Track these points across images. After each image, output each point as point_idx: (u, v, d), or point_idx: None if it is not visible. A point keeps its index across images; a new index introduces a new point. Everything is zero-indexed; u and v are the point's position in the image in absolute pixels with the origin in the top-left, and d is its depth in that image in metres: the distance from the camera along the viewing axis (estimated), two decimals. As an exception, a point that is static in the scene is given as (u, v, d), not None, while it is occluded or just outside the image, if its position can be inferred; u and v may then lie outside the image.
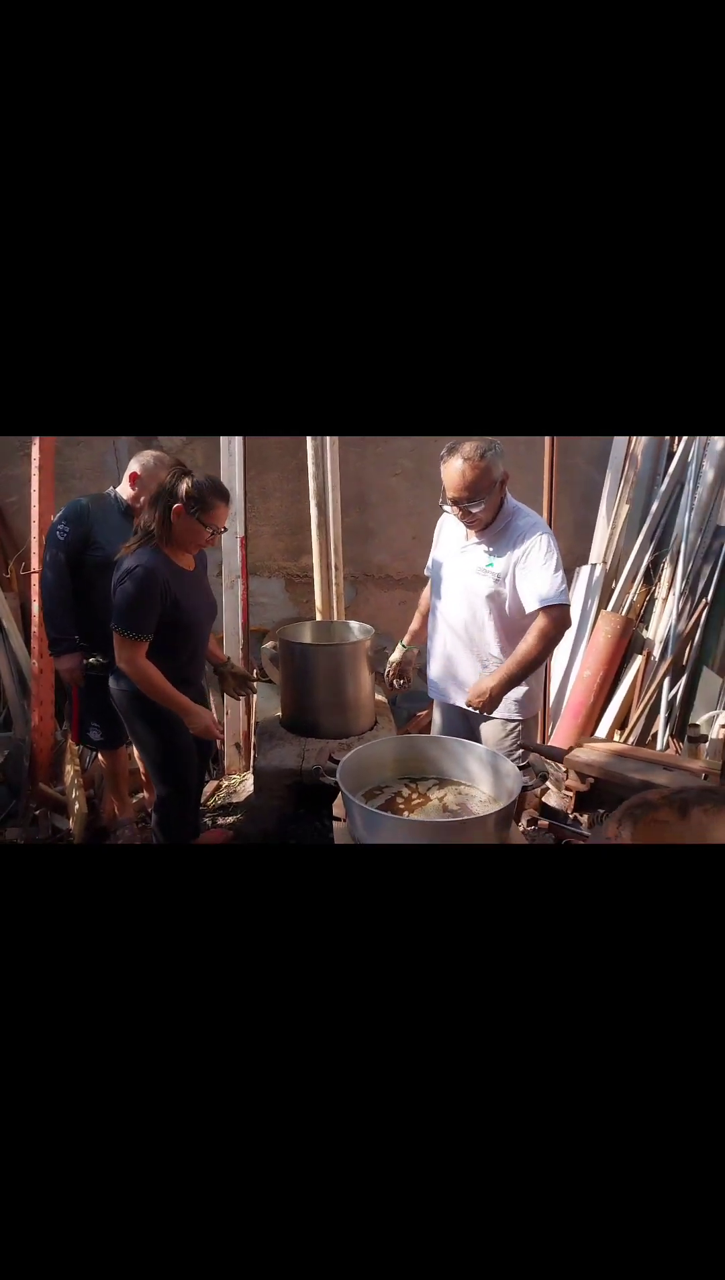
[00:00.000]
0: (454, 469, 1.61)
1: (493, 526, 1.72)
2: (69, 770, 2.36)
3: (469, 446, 1.62)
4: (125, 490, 2.06)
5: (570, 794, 1.59)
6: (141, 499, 1.89)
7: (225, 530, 1.76)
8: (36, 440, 2.48)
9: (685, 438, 2.63)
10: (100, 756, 2.36)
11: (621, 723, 2.60)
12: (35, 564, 2.41)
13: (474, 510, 1.65)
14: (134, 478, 2.02)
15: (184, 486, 1.66)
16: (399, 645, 2.03)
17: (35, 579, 2.37)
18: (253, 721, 2.67)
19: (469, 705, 1.70)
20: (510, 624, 1.75)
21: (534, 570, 1.65)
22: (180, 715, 1.75)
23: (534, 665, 1.67)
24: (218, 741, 2.35)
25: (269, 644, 2.67)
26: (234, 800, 2.55)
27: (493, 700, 1.66)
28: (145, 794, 2.42)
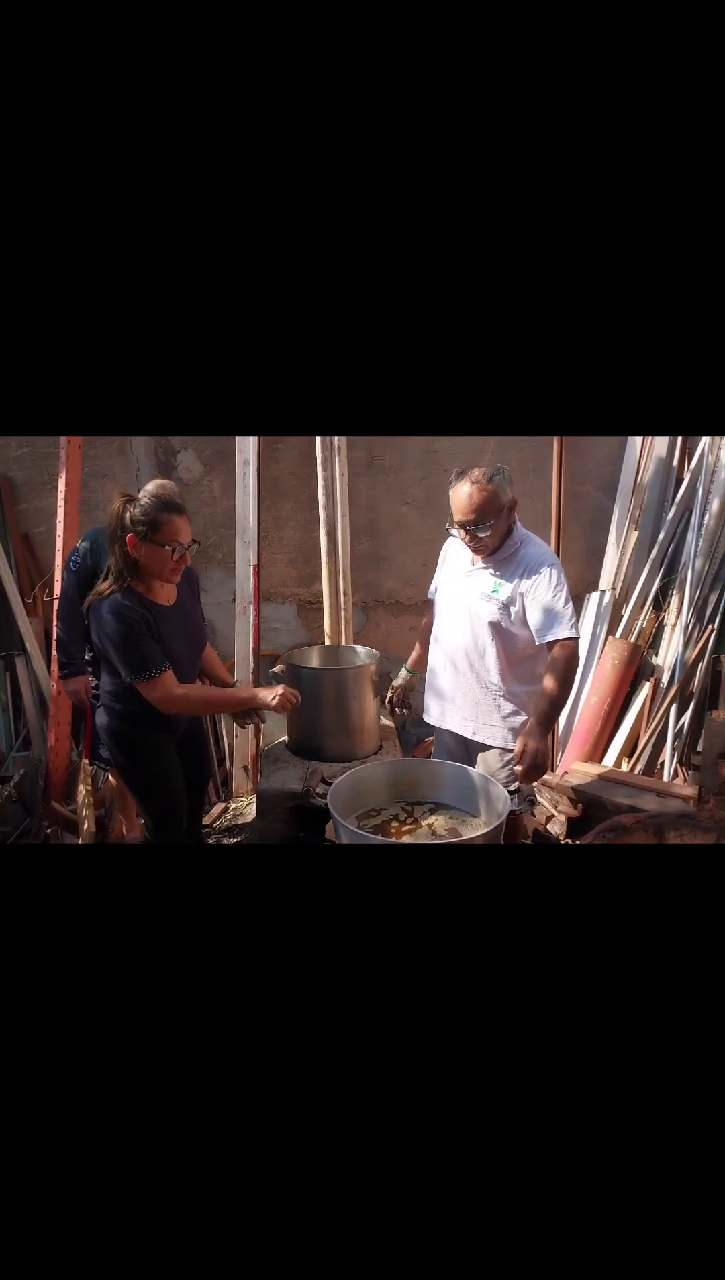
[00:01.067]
0: (462, 493, 1.64)
1: (500, 553, 1.72)
2: (81, 790, 2.43)
3: (477, 471, 1.64)
4: None
5: (562, 819, 1.58)
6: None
7: (193, 545, 1.58)
8: (63, 473, 2.62)
9: (692, 464, 2.64)
10: (110, 777, 2.43)
11: (629, 750, 2.57)
12: (58, 590, 2.53)
13: (481, 535, 1.65)
14: None
15: (129, 515, 1.51)
16: (403, 669, 2.04)
17: (56, 605, 2.49)
18: (260, 745, 2.71)
19: (518, 778, 1.59)
20: (511, 652, 1.74)
21: (544, 603, 1.65)
22: (247, 704, 1.70)
23: (562, 701, 1.64)
24: (218, 765, 2.36)
25: (277, 668, 2.73)
26: (240, 822, 2.58)
27: (539, 754, 1.56)
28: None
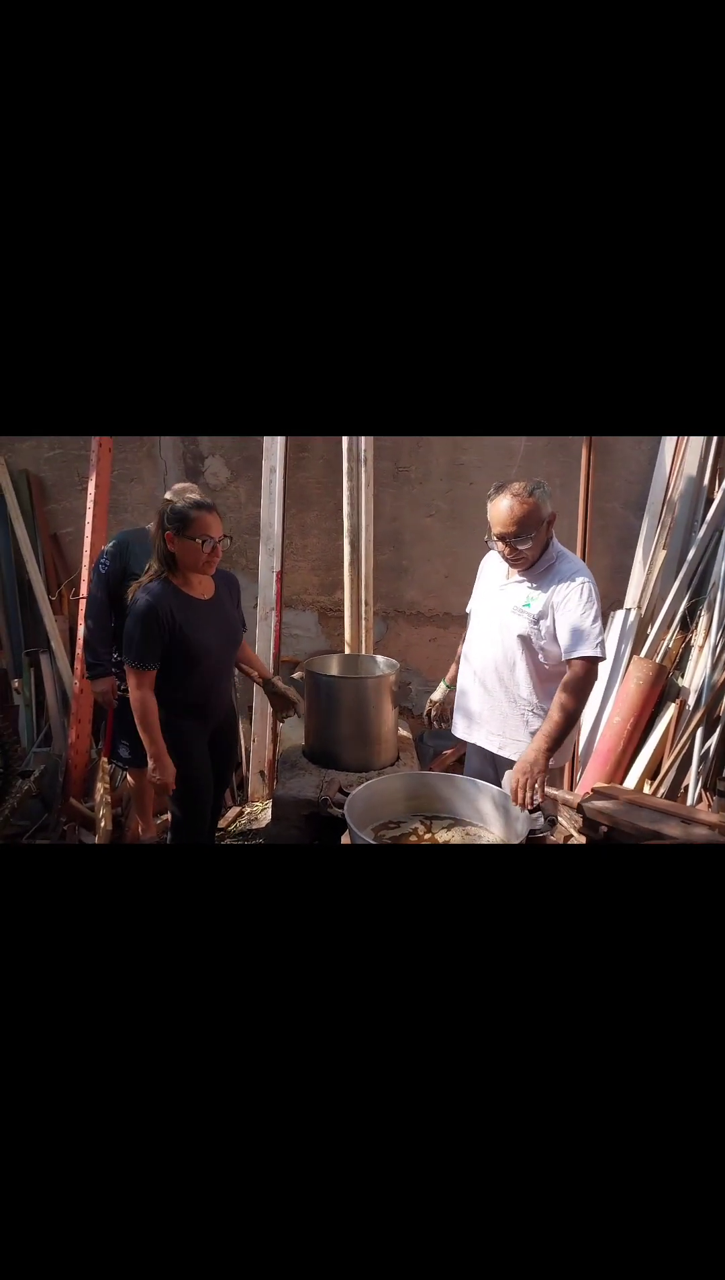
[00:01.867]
0: (502, 506, 1.64)
1: (536, 567, 1.72)
2: (99, 788, 2.45)
3: (518, 485, 1.65)
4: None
5: (583, 840, 1.55)
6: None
7: (225, 539, 1.77)
8: (93, 475, 2.67)
9: (724, 484, 2.60)
10: (129, 776, 2.45)
11: (653, 773, 2.52)
12: (84, 590, 2.57)
13: (521, 547, 1.66)
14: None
15: (167, 514, 1.73)
16: (442, 684, 2.02)
17: (82, 604, 2.52)
18: (277, 750, 2.71)
19: (515, 798, 1.52)
20: (541, 667, 1.73)
21: (572, 620, 1.63)
22: (150, 755, 1.77)
23: (573, 719, 1.62)
24: (242, 768, 2.41)
25: (297, 674, 2.73)
26: (255, 827, 2.58)
27: (539, 769, 1.54)
28: (167, 816, 2.48)
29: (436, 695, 2.02)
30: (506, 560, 1.73)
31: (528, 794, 1.50)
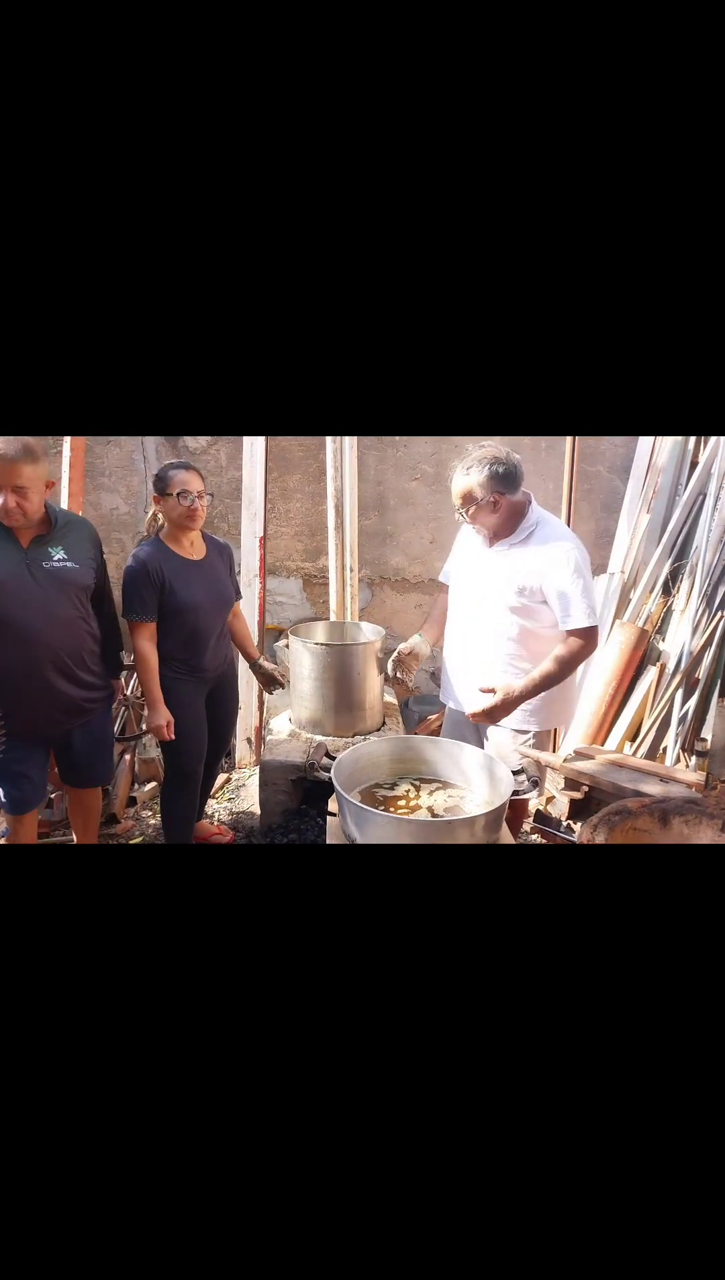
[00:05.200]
0: (453, 480, 1.72)
1: (512, 537, 1.73)
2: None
3: (472, 457, 1.70)
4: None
5: (565, 800, 1.59)
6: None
7: (203, 494, 1.84)
8: (68, 439, 2.58)
9: (708, 449, 2.60)
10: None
11: (633, 734, 2.58)
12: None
13: (468, 521, 1.72)
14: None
15: (153, 479, 1.86)
16: (416, 635, 1.99)
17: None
18: (264, 717, 2.72)
19: (472, 717, 1.70)
20: (526, 632, 1.74)
21: (562, 590, 1.65)
22: (147, 703, 1.88)
23: (544, 688, 1.68)
24: (233, 736, 2.41)
25: (282, 642, 2.72)
26: (242, 793, 2.60)
27: (492, 714, 1.68)
28: (152, 785, 2.49)
29: (406, 645, 1.96)
30: (476, 531, 1.77)
31: (499, 714, 1.64)
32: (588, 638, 1.64)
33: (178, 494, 1.80)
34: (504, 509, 1.70)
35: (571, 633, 1.64)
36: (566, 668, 1.66)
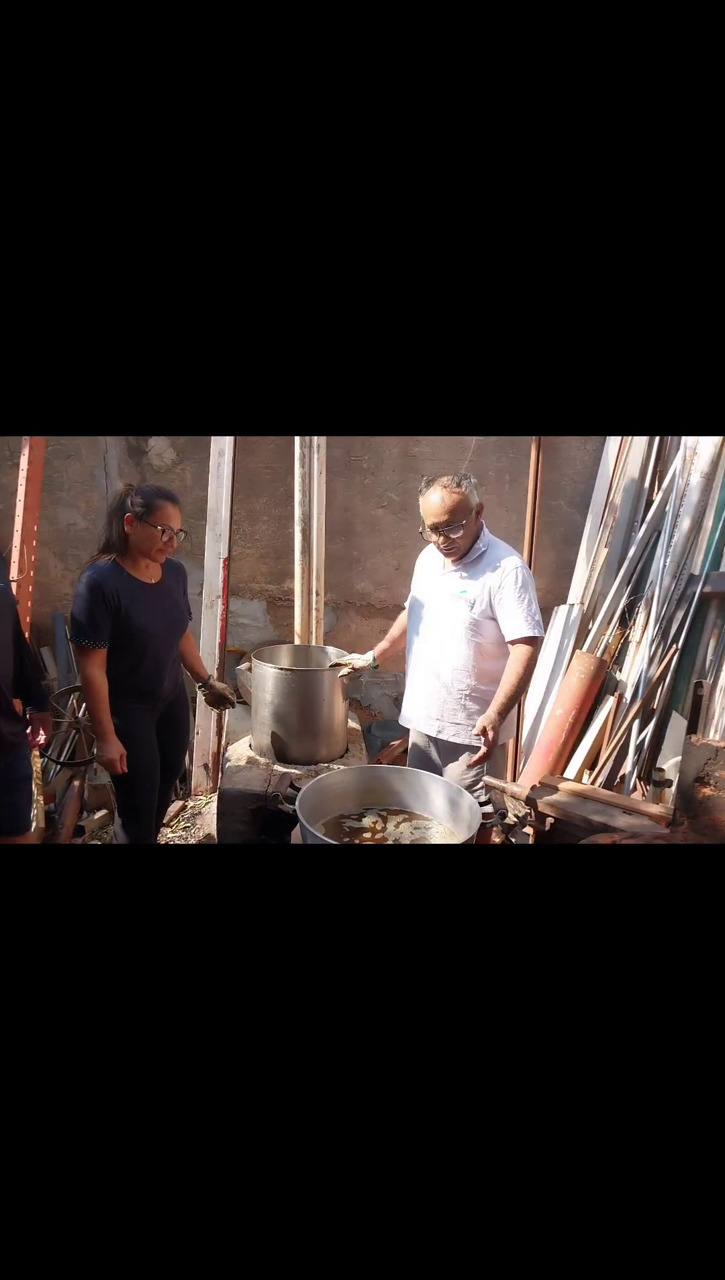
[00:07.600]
0: (433, 498, 1.75)
1: (469, 555, 1.82)
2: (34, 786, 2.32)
3: (446, 478, 1.77)
4: None
5: (529, 834, 1.59)
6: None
7: (181, 531, 1.80)
8: (26, 450, 2.50)
9: (663, 487, 2.71)
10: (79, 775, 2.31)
11: (591, 763, 2.61)
12: (13, 573, 2.41)
13: (453, 535, 1.76)
14: None
15: (130, 499, 1.75)
16: (369, 654, 2.07)
17: (15, 588, 2.36)
18: (223, 743, 2.65)
19: (479, 739, 1.69)
20: (481, 651, 1.81)
21: (510, 604, 1.75)
22: (97, 734, 1.79)
23: (518, 693, 1.75)
24: (186, 761, 2.34)
25: (245, 665, 2.67)
26: (198, 821, 2.51)
27: (489, 747, 1.68)
28: (103, 812, 2.38)
29: (359, 661, 2.06)
30: (441, 550, 1.83)
31: (493, 741, 1.66)
32: (534, 645, 1.76)
33: (161, 528, 1.74)
34: (475, 522, 1.79)
35: (519, 641, 1.74)
36: (524, 675, 1.73)
